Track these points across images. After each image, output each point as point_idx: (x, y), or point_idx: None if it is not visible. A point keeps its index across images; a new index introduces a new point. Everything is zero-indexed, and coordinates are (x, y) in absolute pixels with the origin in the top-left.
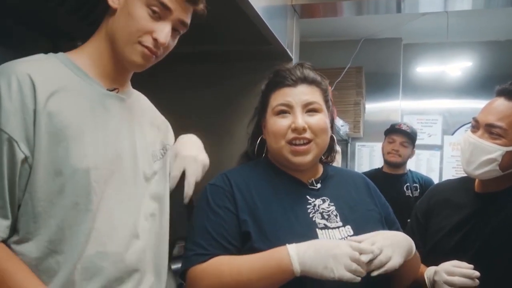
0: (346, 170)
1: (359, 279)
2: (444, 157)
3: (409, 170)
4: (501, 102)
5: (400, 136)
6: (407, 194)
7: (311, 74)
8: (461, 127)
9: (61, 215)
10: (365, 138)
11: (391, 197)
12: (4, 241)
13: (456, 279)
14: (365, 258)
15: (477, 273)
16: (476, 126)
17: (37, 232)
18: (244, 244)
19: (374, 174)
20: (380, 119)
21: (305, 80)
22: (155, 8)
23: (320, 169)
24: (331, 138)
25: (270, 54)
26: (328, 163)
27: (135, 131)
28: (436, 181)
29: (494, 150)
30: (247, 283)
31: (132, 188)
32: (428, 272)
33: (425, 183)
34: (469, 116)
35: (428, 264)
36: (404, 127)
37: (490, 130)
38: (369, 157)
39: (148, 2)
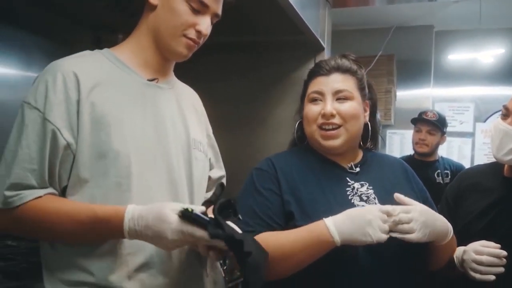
0: (385, 155)
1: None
2: (476, 144)
3: (441, 156)
4: None
5: (426, 125)
6: (437, 181)
7: (345, 63)
8: (493, 114)
9: (105, 194)
10: (396, 125)
11: (422, 183)
12: None
13: (484, 258)
14: (389, 219)
15: (504, 253)
16: (506, 113)
17: None
18: (287, 223)
19: (405, 161)
20: (411, 107)
21: (339, 69)
22: (193, 5)
23: (360, 154)
24: (371, 125)
25: (302, 44)
26: (370, 149)
27: (175, 118)
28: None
29: None
30: (291, 255)
31: (170, 171)
32: (457, 251)
33: (456, 170)
34: (501, 103)
35: (457, 245)
36: (430, 115)
37: None
38: (400, 144)
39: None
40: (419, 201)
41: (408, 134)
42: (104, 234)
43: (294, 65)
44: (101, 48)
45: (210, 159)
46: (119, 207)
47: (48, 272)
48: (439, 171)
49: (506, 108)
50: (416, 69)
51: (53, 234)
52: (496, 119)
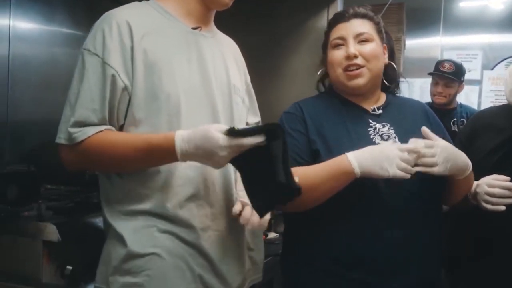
0: (407, 98)
1: (409, 176)
2: (483, 92)
3: (460, 104)
4: None
5: (442, 78)
6: (453, 129)
7: (362, 10)
8: (501, 61)
9: (159, 131)
10: (404, 74)
11: None
12: None
13: (496, 190)
14: (411, 156)
15: None
16: None
17: None
18: (314, 161)
19: None
20: (420, 55)
21: (357, 15)
22: None
23: (383, 97)
24: (392, 67)
25: None
26: (392, 92)
27: (217, 64)
28: None
29: None
30: (316, 185)
31: (214, 113)
32: None
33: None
34: (509, 50)
35: None
36: (446, 67)
37: None
38: (408, 92)
39: None
40: None
41: (416, 83)
42: (158, 159)
43: (308, 15)
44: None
45: (247, 105)
46: (167, 134)
47: (108, 205)
48: (455, 119)
49: None
50: (426, 17)
51: (113, 163)
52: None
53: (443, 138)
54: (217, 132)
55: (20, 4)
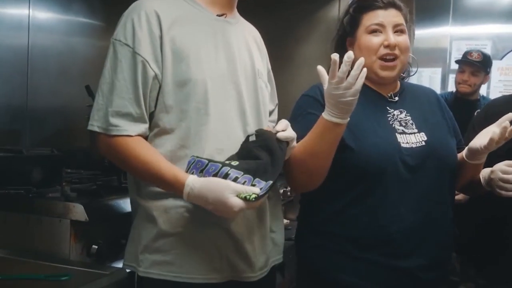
0: (418, 85)
1: None
2: (492, 82)
3: (482, 95)
4: None
5: (470, 66)
6: None
7: (397, 0)
8: (510, 51)
9: (187, 117)
10: (413, 63)
11: (461, 121)
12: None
13: (511, 176)
14: None
15: None
16: None
17: (172, 131)
18: None
19: (447, 97)
20: (429, 45)
21: (394, 5)
22: None
23: (398, 84)
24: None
25: None
26: (404, 79)
27: (242, 50)
28: None
29: None
30: (312, 148)
31: (240, 98)
32: (484, 172)
33: None
34: None
35: (485, 166)
36: (474, 56)
37: None
38: (417, 82)
39: None
40: (449, 129)
41: (425, 73)
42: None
43: (319, 4)
44: None
45: (269, 90)
46: (179, 175)
47: (137, 186)
48: (478, 110)
49: None
50: (435, 6)
51: (129, 170)
52: None
53: (453, 124)
54: (232, 198)
55: None
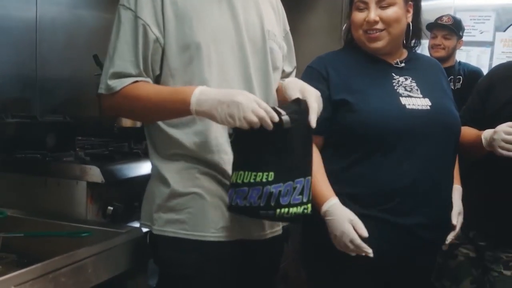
0: (425, 56)
1: None
2: (495, 54)
3: (458, 62)
4: None
5: (441, 29)
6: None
7: None
8: None
9: (192, 81)
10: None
11: None
12: None
13: None
14: None
15: None
16: None
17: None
18: (337, 111)
19: None
20: (434, 17)
21: None
22: None
23: (405, 53)
24: (413, 25)
25: None
26: (412, 49)
27: (250, 11)
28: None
29: None
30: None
31: (245, 61)
32: (486, 133)
33: (469, 74)
34: None
35: (486, 128)
36: (444, 20)
37: None
38: (425, 49)
39: None
40: (446, 95)
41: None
42: (177, 106)
43: None
44: None
45: (285, 53)
46: (187, 87)
47: (153, 148)
48: (452, 77)
49: None
50: None
51: (145, 112)
52: None
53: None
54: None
55: None
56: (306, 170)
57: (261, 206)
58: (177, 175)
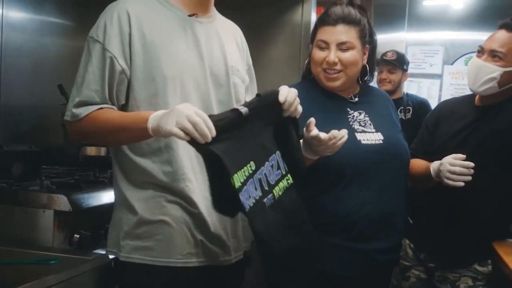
0: (374, 88)
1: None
2: (444, 85)
3: (406, 93)
4: (502, 33)
5: (386, 65)
6: (400, 117)
7: (351, 13)
8: (460, 57)
9: (155, 107)
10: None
11: None
12: None
13: (457, 169)
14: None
15: (472, 164)
16: (481, 51)
17: None
18: None
19: None
20: (386, 49)
21: (344, 20)
22: None
23: (358, 88)
24: (369, 66)
25: None
26: (365, 84)
27: (213, 48)
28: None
29: (495, 70)
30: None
31: (206, 94)
32: (434, 164)
33: (418, 105)
34: (468, 47)
35: (434, 160)
36: (388, 56)
37: (493, 55)
38: (374, 83)
39: None
40: (396, 127)
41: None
42: (136, 129)
43: (283, 8)
44: None
45: (247, 86)
46: (141, 112)
47: (122, 175)
48: (401, 107)
49: (481, 47)
50: (392, 14)
51: (108, 136)
52: (472, 58)
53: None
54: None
55: None
56: (272, 147)
57: (261, 196)
58: (144, 203)
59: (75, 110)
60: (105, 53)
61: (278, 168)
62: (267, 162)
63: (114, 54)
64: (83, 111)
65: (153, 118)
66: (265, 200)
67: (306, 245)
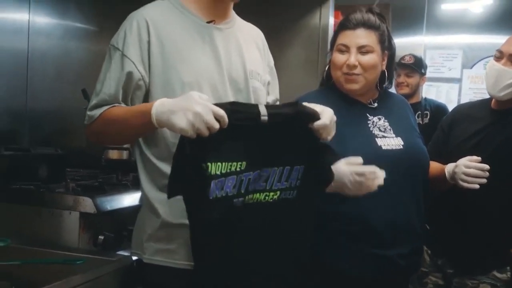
0: (393, 93)
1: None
2: (462, 89)
3: (424, 98)
4: None
5: (404, 68)
6: (417, 122)
7: (371, 19)
8: (479, 61)
9: None
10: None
11: None
12: None
13: (472, 171)
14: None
15: (487, 166)
16: (499, 56)
17: (162, 133)
18: None
19: None
20: (405, 53)
21: (364, 25)
22: None
23: (377, 93)
24: (387, 72)
25: None
26: (385, 89)
27: (230, 53)
28: None
29: None
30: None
31: (224, 95)
32: (449, 167)
33: (436, 109)
34: (487, 51)
35: (449, 163)
36: (406, 59)
37: None
38: (393, 89)
39: None
40: (415, 132)
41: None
42: (143, 122)
43: (301, 12)
44: None
45: (268, 85)
46: (147, 104)
47: (146, 178)
48: (419, 112)
49: (500, 51)
50: (410, 17)
51: (119, 130)
52: (490, 61)
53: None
54: (196, 94)
55: (38, 0)
56: (276, 161)
57: (234, 194)
58: (167, 207)
59: (89, 113)
60: (124, 60)
61: (265, 181)
62: (258, 170)
63: (132, 60)
64: (96, 112)
65: (160, 106)
66: (235, 200)
67: (262, 265)
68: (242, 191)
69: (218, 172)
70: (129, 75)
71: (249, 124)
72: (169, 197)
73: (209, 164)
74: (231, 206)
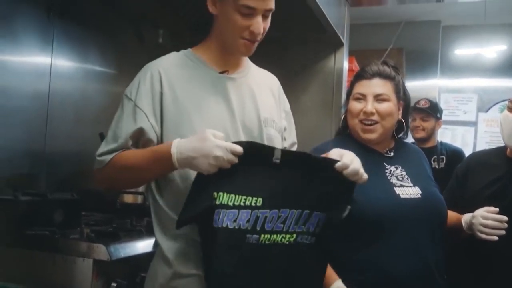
0: (408, 143)
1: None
2: (478, 133)
3: (440, 142)
4: None
5: (419, 112)
6: (433, 166)
7: (386, 70)
8: (494, 104)
9: (188, 171)
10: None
11: None
12: None
13: (490, 222)
14: None
15: (505, 218)
16: None
17: (173, 181)
18: None
19: None
20: (419, 96)
21: (380, 75)
22: (243, 11)
23: (393, 142)
24: (401, 121)
25: (324, 40)
26: (400, 139)
27: (244, 102)
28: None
29: None
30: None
31: None
32: (466, 217)
33: (452, 154)
34: (502, 94)
35: (465, 212)
36: (422, 104)
37: None
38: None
39: (237, 8)
40: (432, 181)
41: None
42: (160, 162)
43: (316, 58)
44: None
45: (285, 130)
46: (164, 145)
47: (158, 226)
48: (435, 156)
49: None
50: (424, 61)
51: (130, 175)
52: (503, 112)
53: (432, 177)
54: (211, 133)
55: (60, 44)
56: (295, 203)
57: (248, 229)
58: (179, 256)
59: (99, 158)
60: (136, 111)
61: (283, 223)
62: (275, 210)
63: (144, 110)
64: (106, 158)
65: (178, 153)
66: (248, 235)
67: None
68: (258, 229)
69: (231, 204)
70: (141, 130)
71: (262, 163)
72: (177, 227)
73: (221, 193)
74: (244, 241)
